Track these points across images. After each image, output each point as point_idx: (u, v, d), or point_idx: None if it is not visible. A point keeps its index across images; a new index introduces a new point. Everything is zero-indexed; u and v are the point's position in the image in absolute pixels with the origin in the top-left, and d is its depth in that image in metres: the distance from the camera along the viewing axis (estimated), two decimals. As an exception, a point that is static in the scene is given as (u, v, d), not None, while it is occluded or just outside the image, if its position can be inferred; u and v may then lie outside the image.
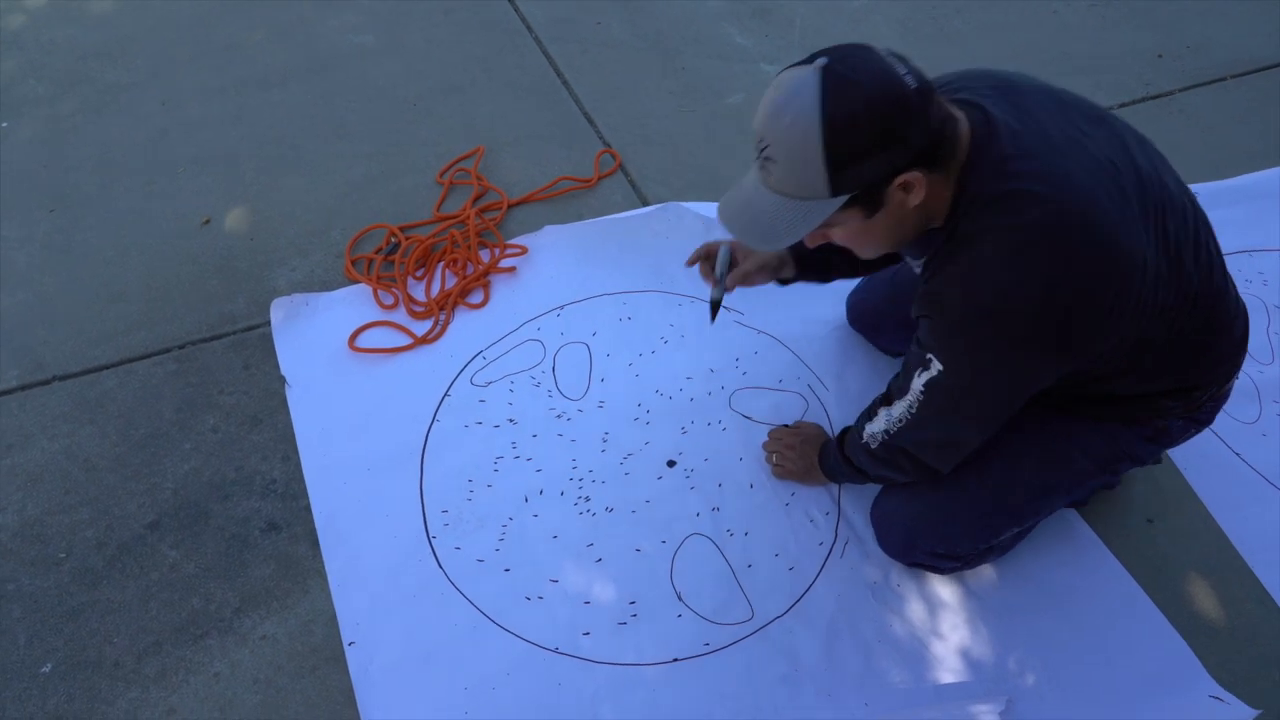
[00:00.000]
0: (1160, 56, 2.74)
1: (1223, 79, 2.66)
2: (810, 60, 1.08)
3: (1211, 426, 1.77)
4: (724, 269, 1.58)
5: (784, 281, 1.64)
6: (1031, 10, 2.92)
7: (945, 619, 1.55)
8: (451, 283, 2.00)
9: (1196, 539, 1.67)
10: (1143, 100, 2.59)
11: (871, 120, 1.04)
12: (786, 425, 1.75)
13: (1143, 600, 1.58)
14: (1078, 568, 1.62)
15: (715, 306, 1.59)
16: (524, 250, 2.07)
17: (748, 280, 1.61)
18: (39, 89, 2.51)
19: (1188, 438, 1.49)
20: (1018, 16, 2.89)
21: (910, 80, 1.05)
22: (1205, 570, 1.63)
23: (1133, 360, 1.28)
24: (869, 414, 1.42)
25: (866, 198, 1.12)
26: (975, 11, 2.91)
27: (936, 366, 1.23)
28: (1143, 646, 1.53)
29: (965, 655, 1.51)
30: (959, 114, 1.15)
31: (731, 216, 1.21)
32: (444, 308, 1.95)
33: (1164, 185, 1.21)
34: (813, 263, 1.60)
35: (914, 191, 1.11)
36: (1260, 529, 1.68)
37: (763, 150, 1.11)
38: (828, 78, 1.05)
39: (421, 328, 1.93)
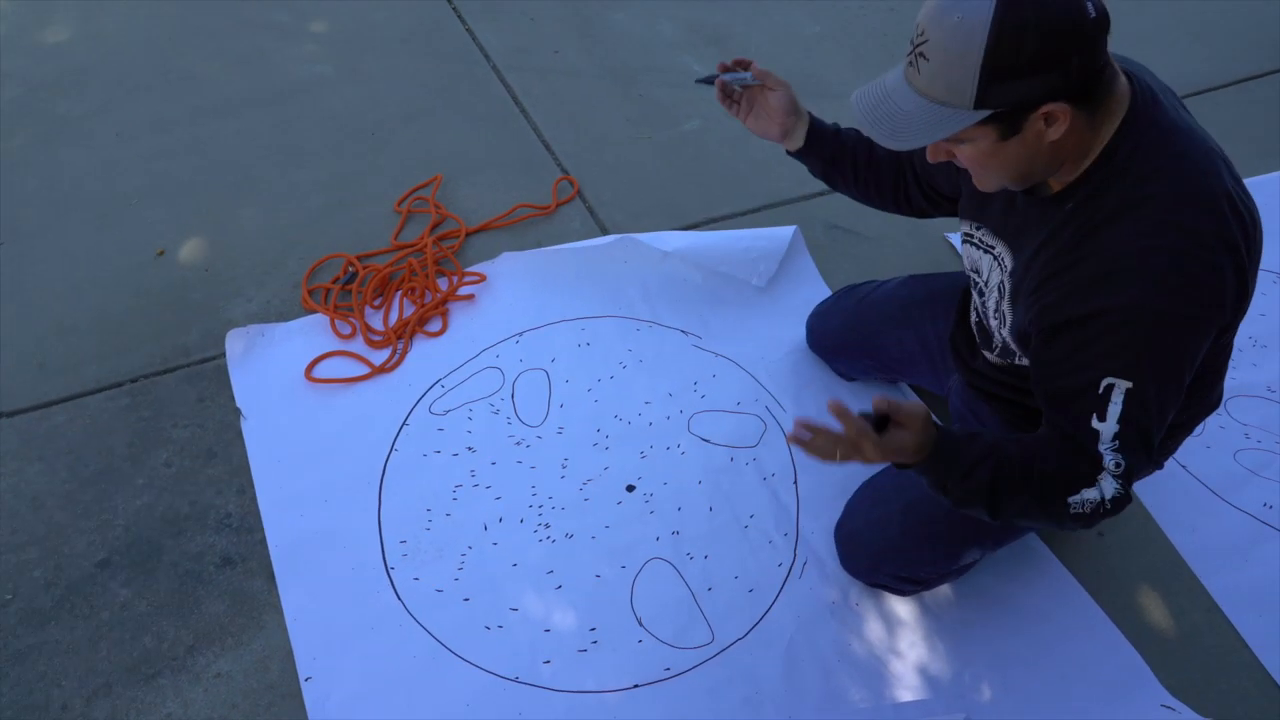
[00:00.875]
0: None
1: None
2: None
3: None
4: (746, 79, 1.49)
5: (788, 151, 1.57)
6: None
7: (903, 636, 1.57)
8: (409, 311, 2.00)
9: (1146, 551, 1.70)
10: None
11: (1042, 37, 0.99)
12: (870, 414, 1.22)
13: (1095, 612, 1.61)
14: (1031, 582, 1.64)
15: (714, 79, 1.50)
16: (482, 278, 2.08)
17: (764, 108, 1.51)
18: (-12, 121, 2.48)
19: (1143, 475, 1.49)
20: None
21: (1091, 8, 1.00)
22: (1155, 581, 1.66)
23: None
24: (1075, 482, 1.14)
25: (1008, 118, 1.06)
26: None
27: (1123, 387, 1.09)
28: (1096, 657, 1.56)
29: (923, 672, 1.53)
30: (1119, 69, 1.11)
31: (866, 106, 1.14)
32: (402, 336, 1.95)
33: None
34: (820, 149, 1.53)
35: (1056, 124, 1.06)
36: (1206, 539, 1.72)
37: (918, 45, 1.06)
38: None
39: (379, 357, 1.92)
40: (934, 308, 1.67)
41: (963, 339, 1.56)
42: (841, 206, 2.33)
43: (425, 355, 1.94)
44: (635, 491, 1.74)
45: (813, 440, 1.17)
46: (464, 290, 2.06)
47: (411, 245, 2.15)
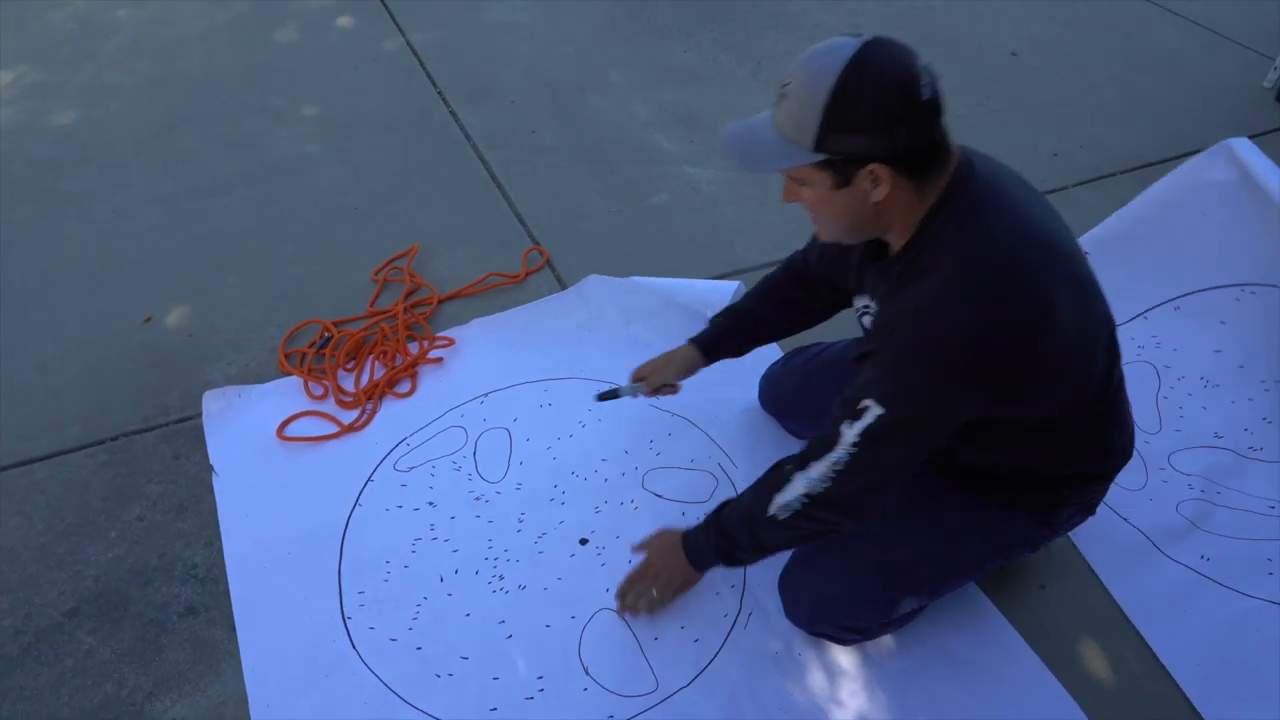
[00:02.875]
0: (1055, 155, 2.96)
1: (1112, 174, 2.88)
2: (860, 34, 1.20)
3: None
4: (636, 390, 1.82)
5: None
6: (937, 116, 3.15)
7: (845, 686, 1.61)
8: (381, 374, 2.10)
9: (1086, 604, 1.74)
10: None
11: (876, 101, 1.14)
12: (634, 566, 1.68)
13: (1035, 663, 1.64)
14: (973, 633, 1.68)
15: (614, 395, 1.77)
16: (451, 342, 2.18)
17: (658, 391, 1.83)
18: (-4, 198, 2.63)
19: (1074, 525, 1.60)
20: (924, 122, 3.11)
21: (926, 90, 1.15)
22: (1095, 633, 1.70)
23: (1045, 434, 1.37)
24: (775, 485, 1.39)
25: (841, 168, 1.20)
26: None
27: (875, 411, 1.25)
28: (1035, 707, 1.58)
29: (863, 720, 1.56)
30: (955, 150, 1.25)
31: (732, 132, 1.29)
32: (371, 397, 2.04)
33: (1089, 267, 1.33)
34: (731, 347, 1.83)
35: (880, 186, 1.20)
36: (1146, 592, 1.76)
37: (785, 85, 1.21)
38: (863, 50, 1.15)
39: (349, 417, 2.01)
40: None
41: None
42: (798, 274, 2.45)
43: (393, 415, 2.03)
44: (588, 544, 1.80)
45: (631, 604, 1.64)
46: (434, 354, 2.16)
47: (385, 312, 2.26)
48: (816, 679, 1.61)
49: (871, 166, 1.19)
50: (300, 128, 2.94)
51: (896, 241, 1.31)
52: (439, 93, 3.13)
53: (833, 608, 1.57)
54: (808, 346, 1.97)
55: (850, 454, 1.29)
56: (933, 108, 1.17)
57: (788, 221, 2.61)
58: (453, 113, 3.03)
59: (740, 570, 1.75)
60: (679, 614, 1.69)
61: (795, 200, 1.32)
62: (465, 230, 2.56)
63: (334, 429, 1.98)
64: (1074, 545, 1.83)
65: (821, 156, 1.20)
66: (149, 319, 2.25)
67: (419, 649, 1.63)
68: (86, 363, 2.13)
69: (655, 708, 1.57)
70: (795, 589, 1.63)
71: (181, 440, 1.96)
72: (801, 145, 1.20)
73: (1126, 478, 1.92)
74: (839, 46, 1.17)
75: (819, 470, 1.32)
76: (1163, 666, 1.64)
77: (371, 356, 2.13)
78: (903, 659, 1.64)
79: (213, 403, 2.01)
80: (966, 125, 3.10)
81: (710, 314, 2.24)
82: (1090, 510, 1.57)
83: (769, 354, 2.14)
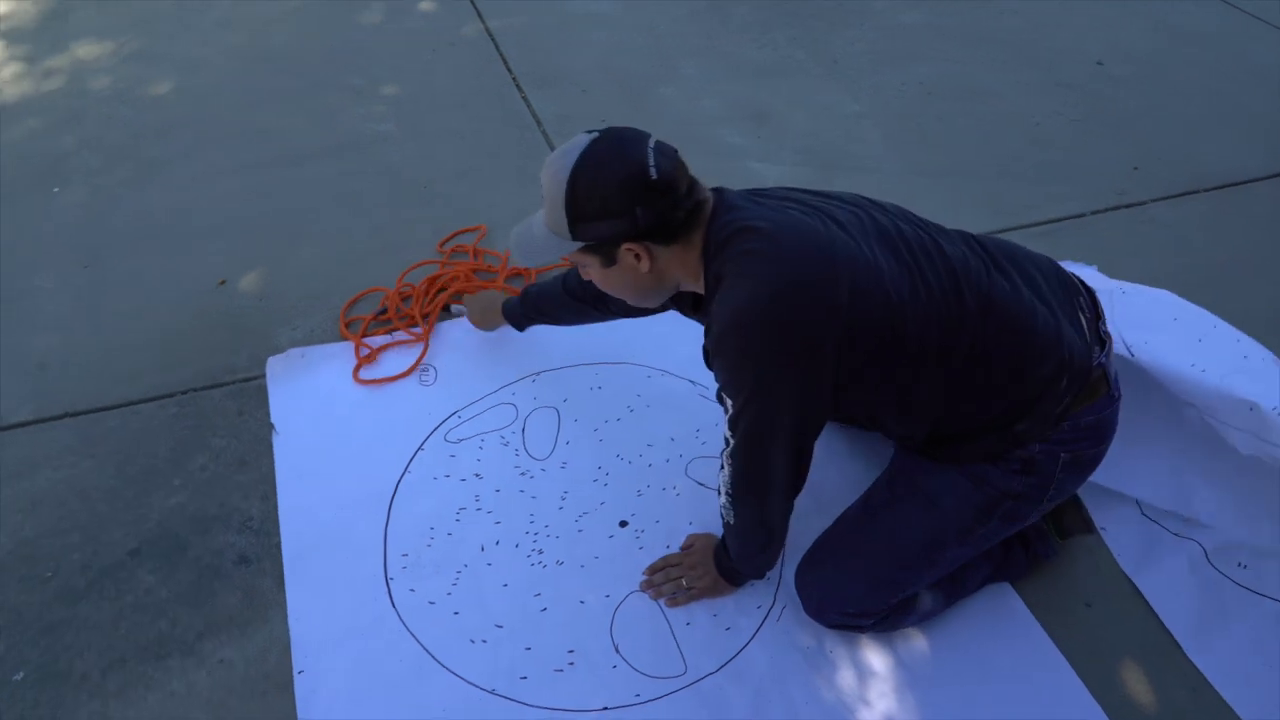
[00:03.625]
0: (1136, 169, 2.87)
1: (1195, 191, 2.79)
2: (596, 131, 1.32)
3: (1141, 506, 1.83)
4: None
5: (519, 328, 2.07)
6: (1015, 121, 3.09)
7: (874, 686, 1.60)
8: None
9: (1132, 624, 1.70)
10: (1116, 209, 2.72)
11: (605, 194, 1.28)
12: (673, 553, 1.78)
13: (1071, 679, 1.61)
14: (1009, 643, 1.66)
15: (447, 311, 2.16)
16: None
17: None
18: (92, 161, 2.77)
19: (1071, 476, 1.51)
20: (1000, 127, 3.06)
21: (654, 172, 1.26)
22: (1140, 656, 1.66)
23: (947, 384, 1.41)
24: (720, 490, 1.54)
25: (601, 250, 1.35)
26: (957, 119, 3.09)
27: (729, 405, 1.38)
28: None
29: (890, 722, 1.56)
30: (706, 197, 1.36)
31: (515, 233, 1.47)
32: (429, 312, 2.22)
33: (903, 232, 1.40)
34: (531, 316, 2.02)
35: (641, 260, 1.34)
36: (1196, 616, 1.70)
37: (542, 189, 1.35)
38: (590, 147, 1.29)
39: (410, 358, 2.14)
40: None
41: None
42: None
43: (446, 388, 2.08)
44: (628, 527, 1.82)
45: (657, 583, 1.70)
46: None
47: (452, 264, 2.38)
48: (846, 677, 1.61)
49: (626, 245, 1.32)
50: (377, 106, 3.02)
51: (699, 288, 1.42)
52: (513, 78, 3.19)
53: (834, 595, 1.59)
54: None
55: (732, 447, 1.42)
56: (665, 184, 1.28)
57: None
58: (525, 98, 3.08)
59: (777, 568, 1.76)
60: (713, 601, 1.70)
61: (587, 278, 1.48)
62: (529, 212, 2.59)
63: (404, 366, 2.11)
64: (1118, 565, 1.78)
65: (580, 244, 1.34)
66: (223, 282, 2.35)
67: (456, 614, 1.67)
68: (162, 320, 2.23)
69: (682, 690, 1.58)
70: (802, 583, 1.65)
71: (246, 398, 2.04)
72: (563, 237, 1.34)
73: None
74: (571, 149, 1.30)
75: (726, 470, 1.48)
76: (1208, 692, 1.60)
77: (443, 291, 2.30)
78: (935, 664, 1.63)
79: (277, 366, 2.09)
80: (1042, 134, 3.03)
81: None
82: (1073, 452, 1.46)
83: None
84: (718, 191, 1.40)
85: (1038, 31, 3.63)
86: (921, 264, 1.37)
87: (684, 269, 1.39)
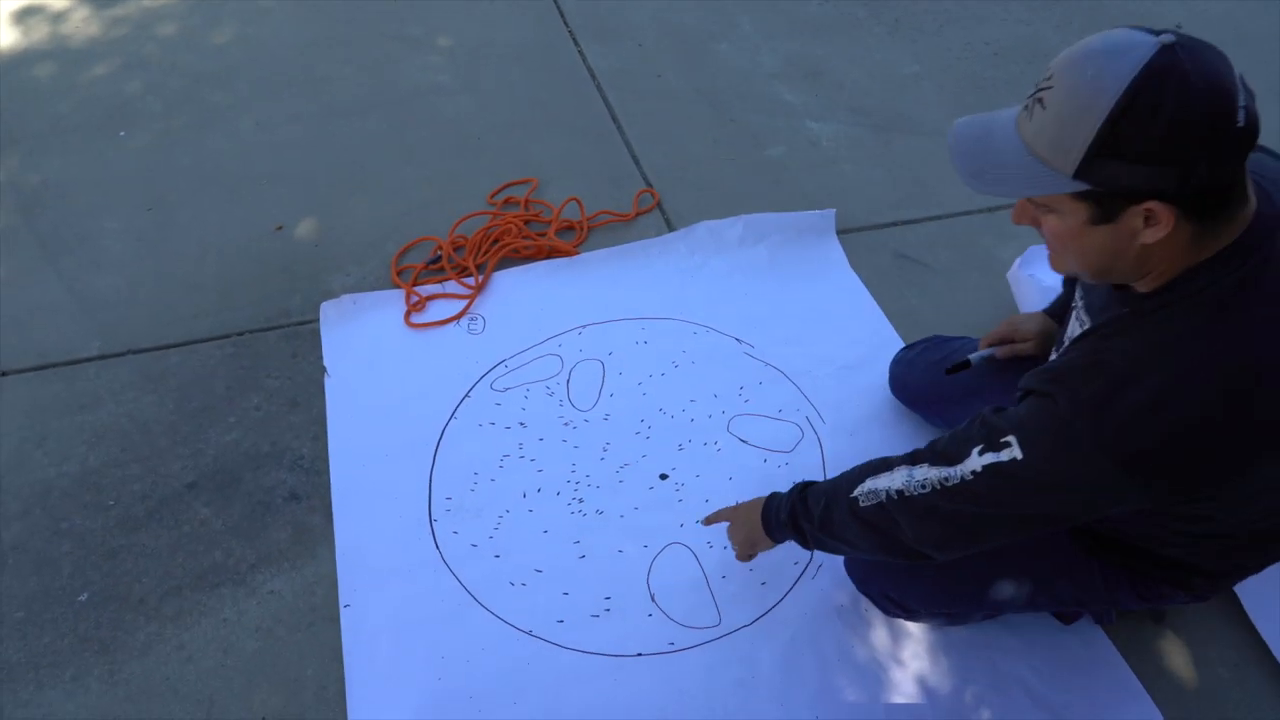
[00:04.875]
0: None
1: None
2: (1157, 32, 0.92)
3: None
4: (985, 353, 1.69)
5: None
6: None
7: (908, 648, 1.60)
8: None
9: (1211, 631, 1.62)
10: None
11: (1173, 126, 0.89)
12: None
13: (1113, 655, 1.58)
14: (1048, 615, 1.64)
15: (965, 366, 1.68)
16: (573, 251, 2.31)
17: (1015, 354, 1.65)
18: (156, 105, 2.83)
19: (1177, 604, 1.46)
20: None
21: (1241, 116, 0.90)
22: (1210, 662, 1.59)
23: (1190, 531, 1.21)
24: (875, 469, 1.26)
25: (1105, 201, 0.97)
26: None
27: (1014, 453, 1.06)
28: (1111, 706, 1.53)
29: (922, 683, 1.56)
30: (1252, 196, 1.00)
31: (962, 136, 1.07)
32: (482, 262, 2.25)
33: None
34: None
35: (1155, 228, 0.96)
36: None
37: (1041, 89, 0.97)
38: (1162, 55, 0.90)
39: (459, 307, 2.17)
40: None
41: None
42: (911, 237, 2.39)
43: (494, 338, 2.11)
44: (668, 480, 1.84)
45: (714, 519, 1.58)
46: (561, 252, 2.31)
47: (503, 216, 2.40)
48: (879, 636, 1.61)
49: (1149, 204, 0.94)
50: (433, 57, 3.03)
51: (1149, 284, 1.06)
52: (569, 31, 3.16)
53: (884, 577, 1.54)
54: (951, 339, 1.85)
55: (965, 479, 1.12)
56: (1247, 137, 0.91)
57: (902, 183, 2.53)
58: (580, 52, 3.06)
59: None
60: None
61: (1029, 225, 1.08)
62: (581, 167, 2.59)
63: (454, 311, 2.15)
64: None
65: (1083, 186, 0.96)
66: (280, 228, 2.39)
67: (496, 557, 1.71)
68: (221, 263, 2.29)
69: (715, 641, 1.60)
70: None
71: (300, 341, 2.09)
72: (1058, 170, 0.96)
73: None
74: (1127, 48, 0.91)
75: (925, 475, 1.16)
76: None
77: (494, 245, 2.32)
78: (971, 628, 1.62)
79: (330, 310, 2.13)
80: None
81: (809, 246, 2.22)
82: (1200, 600, 1.40)
83: (844, 280, 2.21)
84: (1262, 199, 1.02)
85: (1113, -9, 3.48)
86: None
87: (1168, 264, 1.01)
